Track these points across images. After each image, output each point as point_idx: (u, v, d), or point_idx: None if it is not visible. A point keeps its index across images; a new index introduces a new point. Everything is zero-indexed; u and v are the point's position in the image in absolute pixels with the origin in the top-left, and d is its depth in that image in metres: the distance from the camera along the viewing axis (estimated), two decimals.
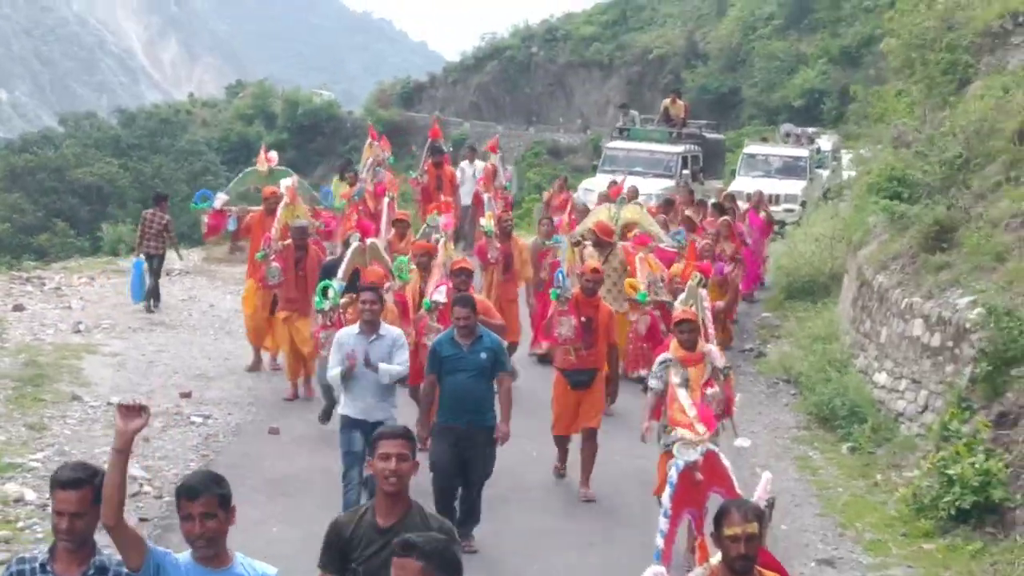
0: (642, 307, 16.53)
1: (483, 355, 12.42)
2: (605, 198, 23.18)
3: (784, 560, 11.25)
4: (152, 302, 21.51)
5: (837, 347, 19.14)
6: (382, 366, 12.36)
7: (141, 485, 13.53)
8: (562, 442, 14.70)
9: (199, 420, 15.79)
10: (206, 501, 6.26)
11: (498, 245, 18.68)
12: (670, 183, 31.34)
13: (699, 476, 7.32)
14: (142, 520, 12.69)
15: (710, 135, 37.27)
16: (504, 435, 12.45)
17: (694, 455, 7.30)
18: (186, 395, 16.55)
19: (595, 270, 14.77)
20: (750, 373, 19.54)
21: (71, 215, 60.59)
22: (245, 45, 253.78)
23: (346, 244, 16.68)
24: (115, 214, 58.08)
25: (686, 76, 60.58)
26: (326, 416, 15.36)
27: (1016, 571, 11.72)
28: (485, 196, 22.87)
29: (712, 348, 12.44)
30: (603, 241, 17.87)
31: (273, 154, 21.68)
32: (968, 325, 14.84)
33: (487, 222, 19.24)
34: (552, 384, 14.59)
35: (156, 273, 21.74)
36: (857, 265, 19.81)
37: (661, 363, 12.40)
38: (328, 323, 14.56)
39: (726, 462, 7.50)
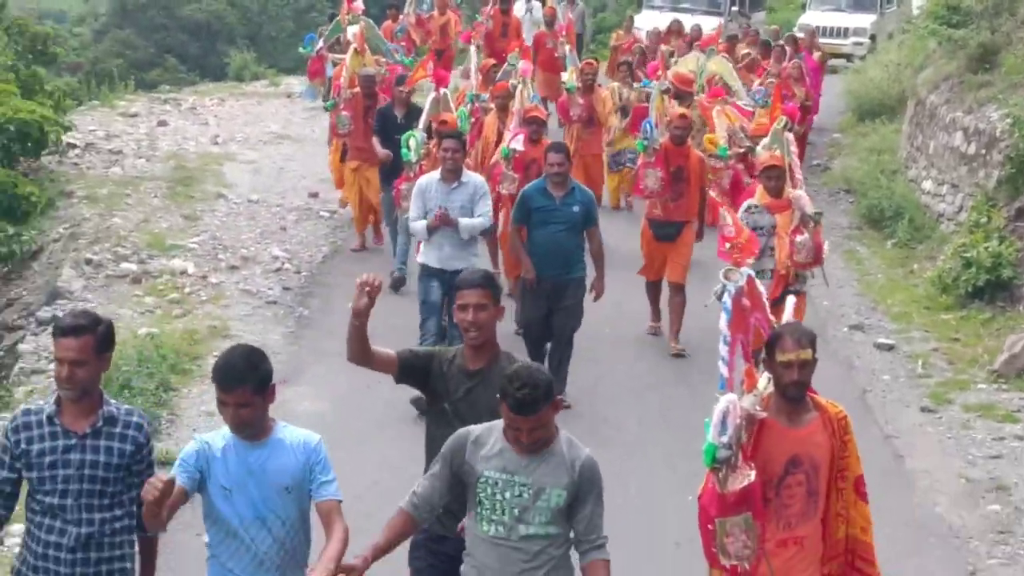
0: (724, 162, 15.94)
1: (575, 208, 12.18)
2: (656, 36, 23.89)
3: (821, 326, 13.95)
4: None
5: (891, 159, 21.43)
6: (462, 221, 12.21)
7: (283, 263, 16.29)
8: (654, 290, 14.48)
9: (326, 215, 18.43)
10: (240, 393, 6.06)
11: (580, 100, 18.14)
12: (717, 20, 29.90)
13: (746, 302, 7.05)
14: (285, 289, 15.52)
15: None
16: (600, 290, 12.41)
17: (741, 280, 6.99)
18: (314, 195, 19.10)
19: (683, 115, 14.51)
20: (815, 184, 21.66)
21: (181, 51, 61.88)
22: None
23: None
24: (223, 50, 59.81)
25: None
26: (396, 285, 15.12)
27: (1016, 333, 14.14)
28: (566, 47, 21.23)
29: (800, 194, 12.29)
30: (682, 91, 17.24)
31: (358, 3, 21.12)
32: (998, 134, 17.06)
33: (569, 77, 18.70)
34: (640, 232, 14.55)
35: None
36: (915, 87, 21.98)
37: (746, 209, 12.17)
38: (411, 175, 14.08)
39: (761, 288, 7.37)
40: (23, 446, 6.27)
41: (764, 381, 6.75)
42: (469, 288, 6.93)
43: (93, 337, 6.21)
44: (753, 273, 7.18)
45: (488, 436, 6.12)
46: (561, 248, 12.12)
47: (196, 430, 11.57)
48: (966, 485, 11.08)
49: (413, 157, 14.16)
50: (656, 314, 14.49)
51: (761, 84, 20.11)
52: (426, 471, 6.72)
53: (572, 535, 6.16)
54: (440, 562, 6.82)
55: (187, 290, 15.29)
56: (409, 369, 7.01)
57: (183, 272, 15.81)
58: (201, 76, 52.38)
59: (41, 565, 6.33)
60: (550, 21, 23.11)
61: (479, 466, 6.07)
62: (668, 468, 10.89)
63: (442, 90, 15.82)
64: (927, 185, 19.45)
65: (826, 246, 12.46)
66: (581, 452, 6.13)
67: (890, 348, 14.39)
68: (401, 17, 23.41)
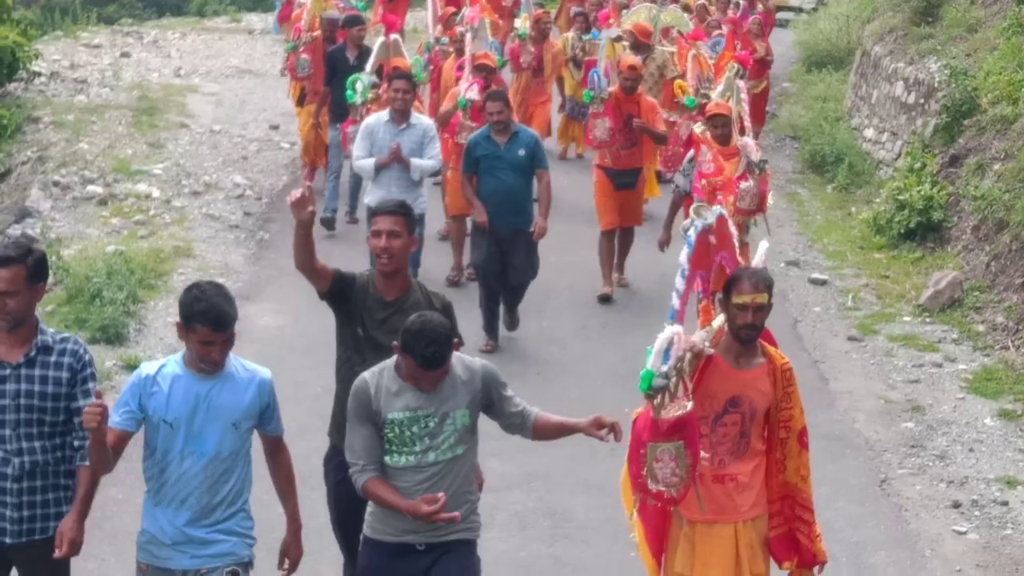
0: (689, 111, 15.64)
1: (521, 152, 12.24)
2: None
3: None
4: None
5: (836, 107, 22.31)
6: (414, 161, 12.32)
7: (244, 190, 17.07)
8: (608, 245, 14.27)
9: (287, 146, 19.10)
10: (229, 333, 6.18)
11: (532, 49, 18.16)
12: None
13: (712, 239, 7.03)
14: (246, 214, 16.27)
15: None
16: (541, 229, 12.34)
17: (711, 218, 6.99)
18: (275, 127, 19.76)
19: (632, 67, 14.36)
20: (763, 131, 22.61)
21: None
22: None
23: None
24: None
25: None
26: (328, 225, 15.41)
27: (941, 271, 15.01)
28: None
29: (748, 141, 12.40)
30: (640, 43, 17.05)
31: None
32: (936, 84, 17.93)
33: (521, 24, 18.52)
34: (594, 182, 14.58)
35: None
36: (862, 38, 22.85)
37: (690, 160, 12.55)
38: (357, 118, 14.05)
39: (732, 228, 7.37)
40: None
41: (719, 319, 6.88)
42: (383, 214, 7.18)
43: (24, 267, 6.14)
44: (726, 212, 7.27)
45: (383, 380, 6.33)
46: (511, 193, 12.23)
47: (163, 339, 12.47)
48: (884, 405, 11.98)
49: (358, 100, 14.16)
50: (608, 279, 14.31)
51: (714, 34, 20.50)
52: (339, 390, 7.29)
53: (506, 425, 6.64)
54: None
55: (151, 213, 16.07)
56: (339, 286, 7.21)
57: (148, 196, 16.57)
58: (158, 13, 52.39)
59: None
60: None
61: (384, 411, 6.29)
62: (607, 384, 11.60)
63: (392, 35, 15.87)
64: (868, 133, 20.38)
65: (770, 196, 12.85)
66: (475, 364, 6.48)
67: (823, 283, 15.24)
68: None
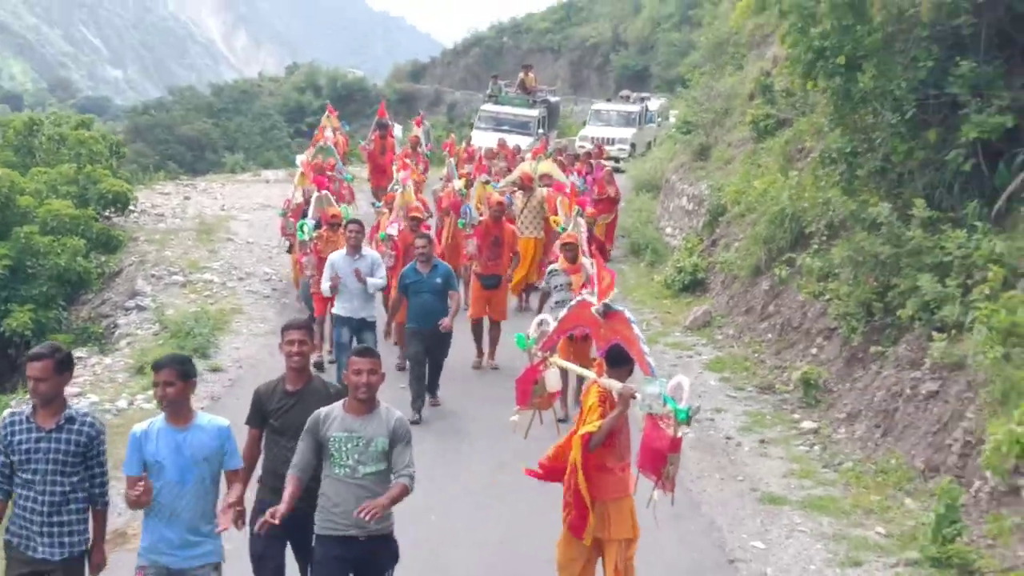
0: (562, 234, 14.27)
1: (438, 280, 12.47)
2: (489, 152, 23.43)
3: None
4: None
5: (648, 215, 25.35)
6: (370, 280, 12.41)
7: (271, 276, 19.43)
8: (478, 330, 14.59)
9: None
10: (168, 372, 6.15)
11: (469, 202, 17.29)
12: (529, 139, 30.42)
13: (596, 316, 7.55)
14: (273, 289, 18.77)
15: (552, 99, 36.53)
16: (447, 327, 12.40)
17: (654, 389, 7.41)
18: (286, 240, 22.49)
19: (499, 203, 15.02)
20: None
21: (179, 159, 62.45)
22: (297, 35, 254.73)
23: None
24: (210, 157, 61.77)
25: (613, 58, 59.84)
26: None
27: (700, 306, 18.21)
28: (450, 160, 21.27)
29: (586, 260, 12.85)
30: (525, 186, 18.00)
31: (328, 132, 21.72)
32: (704, 198, 21.26)
33: (459, 183, 18.04)
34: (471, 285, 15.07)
35: None
36: (665, 171, 26.26)
37: (549, 272, 13.03)
38: (307, 251, 14.46)
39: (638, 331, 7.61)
40: (9, 438, 6.31)
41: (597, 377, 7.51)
42: (295, 329, 7.09)
43: (52, 361, 6.26)
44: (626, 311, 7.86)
45: (331, 411, 6.43)
46: (430, 308, 12.47)
47: (229, 355, 14.93)
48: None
49: (306, 238, 14.60)
50: (480, 352, 14.77)
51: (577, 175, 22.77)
52: (264, 459, 7.12)
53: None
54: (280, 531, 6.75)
55: (214, 290, 18.40)
56: (260, 416, 7.15)
57: (211, 281, 18.83)
58: (194, 176, 54.14)
59: (20, 523, 6.38)
60: (415, 145, 23.80)
61: (329, 431, 6.37)
62: (483, 426, 12.66)
63: (323, 191, 16.30)
64: (667, 229, 23.49)
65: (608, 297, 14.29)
66: (395, 414, 6.47)
67: None
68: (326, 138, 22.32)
